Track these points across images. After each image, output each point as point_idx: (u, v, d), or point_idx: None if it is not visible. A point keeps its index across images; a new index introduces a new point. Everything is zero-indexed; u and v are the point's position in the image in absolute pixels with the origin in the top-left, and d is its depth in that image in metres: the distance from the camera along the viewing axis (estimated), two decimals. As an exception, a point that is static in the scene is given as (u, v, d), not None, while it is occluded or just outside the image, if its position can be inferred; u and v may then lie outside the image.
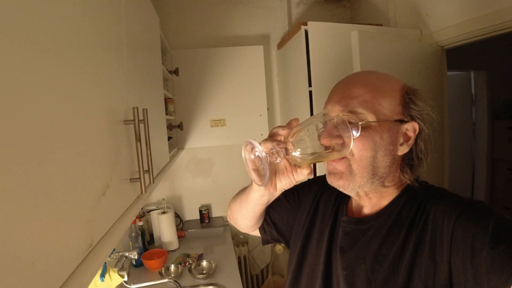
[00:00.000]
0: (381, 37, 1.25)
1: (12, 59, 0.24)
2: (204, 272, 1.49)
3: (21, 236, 0.24)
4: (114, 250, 1.19)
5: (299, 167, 0.54)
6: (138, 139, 0.58)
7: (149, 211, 1.86)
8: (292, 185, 0.57)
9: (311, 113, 1.50)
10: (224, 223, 1.98)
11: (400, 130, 0.53)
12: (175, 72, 1.83)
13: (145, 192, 0.60)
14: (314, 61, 1.43)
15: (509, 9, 1.09)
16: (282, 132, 0.52)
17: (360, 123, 0.50)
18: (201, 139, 1.89)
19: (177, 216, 2.00)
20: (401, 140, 0.53)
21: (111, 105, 0.50)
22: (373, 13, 1.85)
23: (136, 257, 1.24)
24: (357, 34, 1.09)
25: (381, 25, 1.63)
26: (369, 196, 0.57)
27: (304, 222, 0.68)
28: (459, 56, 2.01)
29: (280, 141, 0.51)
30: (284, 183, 0.57)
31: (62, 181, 0.31)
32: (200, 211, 1.98)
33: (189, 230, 1.90)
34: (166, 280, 1.32)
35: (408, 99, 0.53)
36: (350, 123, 0.49)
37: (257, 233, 0.79)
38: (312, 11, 2.07)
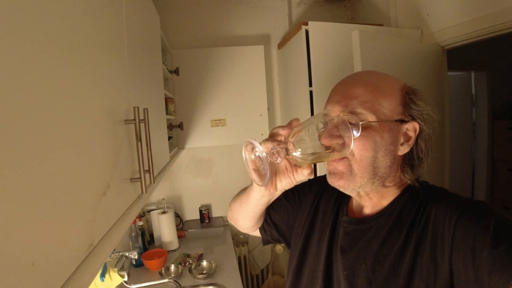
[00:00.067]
0: (382, 37, 1.24)
1: (12, 59, 0.24)
2: (204, 272, 1.49)
3: (22, 236, 0.24)
4: (114, 250, 1.19)
5: (300, 167, 0.54)
6: (138, 138, 0.58)
7: (149, 211, 1.86)
8: (292, 185, 0.57)
9: (312, 113, 1.50)
10: (224, 223, 1.98)
11: (401, 130, 0.53)
12: (176, 71, 1.83)
13: (146, 192, 0.60)
14: (314, 61, 1.43)
15: (509, 9, 1.09)
16: (283, 132, 0.52)
17: (360, 123, 0.50)
18: (201, 139, 1.89)
19: (177, 216, 2.00)
20: (402, 140, 0.53)
21: (112, 104, 0.50)
22: (373, 13, 1.85)
23: (136, 257, 1.24)
24: (358, 34, 1.09)
25: (381, 25, 1.62)
26: (370, 196, 0.57)
27: (305, 222, 0.68)
28: (460, 56, 2.01)
29: (280, 141, 0.51)
30: (284, 183, 0.57)
31: (63, 181, 0.31)
32: (200, 211, 1.98)
33: (189, 230, 1.90)
34: (166, 280, 1.32)
35: (408, 99, 0.53)
36: (350, 123, 0.49)
37: (257, 233, 0.79)
38: (313, 11, 2.07)
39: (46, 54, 0.30)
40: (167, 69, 1.67)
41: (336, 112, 0.53)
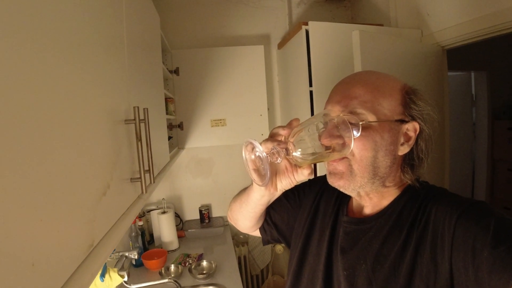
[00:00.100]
0: (382, 37, 1.24)
1: (12, 59, 0.24)
2: (204, 272, 1.49)
3: (22, 236, 0.24)
4: (114, 250, 1.19)
5: (300, 167, 0.54)
6: (138, 138, 0.58)
7: (149, 211, 1.86)
8: (292, 185, 0.57)
9: (312, 113, 1.50)
10: (224, 223, 1.98)
11: (401, 130, 0.53)
12: (176, 71, 1.83)
13: (146, 192, 0.60)
14: (314, 61, 1.43)
15: (509, 9, 1.09)
16: (283, 132, 0.52)
17: (360, 123, 0.50)
18: (201, 139, 1.89)
19: (177, 216, 2.00)
20: (402, 140, 0.53)
21: (112, 104, 0.50)
22: (374, 13, 1.85)
23: (136, 257, 1.24)
24: (358, 34, 1.09)
25: (382, 25, 1.62)
26: (370, 196, 0.57)
27: (305, 222, 0.68)
28: (460, 57, 2.01)
29: (280, 141, 0.51)
30: (284, 183, 0.57)
31: (63, 181, 0.31)
32: (200, 211, 1.98)
33: (189, 230, 1.89)
34: (166, 280, 1.32)
35: (408, 99, 0.53)
36: (350, 123, 0.49)
37: (257, 233, 0.79)
38: (313, 11, 2.07)
39: (46, 54, 0.30)
40: (167, 69, 1.67)
41: (336, 112, 0.53)
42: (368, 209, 0.58)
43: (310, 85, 1.48)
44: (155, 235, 1.83)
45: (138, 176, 0.59)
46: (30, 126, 0.26)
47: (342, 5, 2.11)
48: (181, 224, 2.00)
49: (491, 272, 0.39)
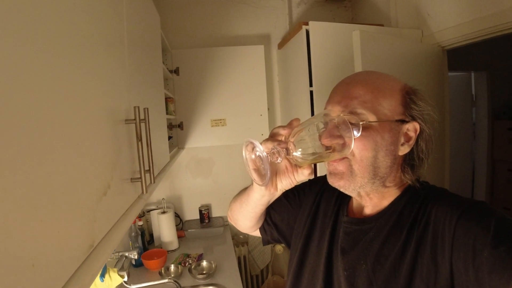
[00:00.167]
0: (382, 37, 1.24)
1: (12, 59, 0.24)
2: (204, 272, 1.49)
3: (22, 237, 0.24)
4: (114, 250, 1.19)
5: (300, 167, 0.54)
6: (139, 138, 0.58)
7: (149, 211, 1.86)
8: (293, 185, 0.57)
9: (312, 113, 1.50)
10: (224, 223, 1.98)
11: (401, 130, 0.53)
12: (176, 71, 1.83)
13: (146, 192, 0.60)
14: (315, 61, 1.43)
15: (509, 10, 1.09)
16: (283, 132, 0.52)
17: (361, 123, 0.50)
18: (201, 139, 1.89)
19: (177, 216, 2.00)
20: (402, 140, 0.53)
21: (112, 104, 0.50)
22: (374, 13, 1.85)
23: (136, 257, 1.24)
24: (358, 34, 1.09)
25: (382, 25, 1.62)
26: (370, 197, 0.57)
27: (305, 222, 0.68)
28: (460, 57, 2.01)
29: (281, 141, 0.51)
30: (285, 183, 0.57)
31: (63, 181, 0.31)
32: (200, 211, 1.98)
33: (189, 230, 1.89)
34: (166, 280, 1.31)
35: (409, 99, 0.53)
36: (351, 123, 0.49)
37: (257, 233, 0.79)
38: (313, 11, 2.07)
39: (46, 54, 0.30)
40: (167, 68, 1.67)
41: (336, 112, 0.53)
42: (369, 209, 0.58)
43: (311, 85, 1.48)
44: (155, 235, 1.83)
45: (139, 176, 0.58)
46: (30, 126, 0.26)
47: (342, 5, 2.11)
48: (181, 224, 2.00)
49: (491, 272, 0.39)
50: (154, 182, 0.67)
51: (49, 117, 0.29)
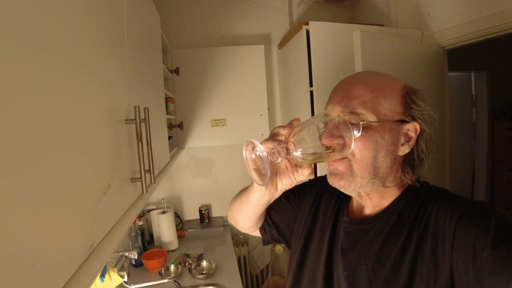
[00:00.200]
0: (383, 37, 1.24)
1: (12, 59, 0.24)
2: (204, 272, 1.48)
3: (22, 237, 0.24)
4: (114, 250, 1.19)
5: (300, 167, 0.54)
6: (139, 138, 0.58)
7: (149, 211, 1.86)
8: (293, 185, 0.57)
9: (312, 113, 1.50)
10: (224, 223, 1.98)
11: (401, 130, 0.53)
12: (176, 71, 1.83)
13: (146, 192, 0.60)
14: (315, 61, 1.43)
15: (509, 10, 1.09)
16: (283, 132, 0.52)
17: (361, 123, 0.50)
18: (201, 139, 1.89)
19: (177, 216, 2.00)
20: (402, 140, 0.53)
21: (112, 104, 0.50)
22: (374, 13, 1.85)
23: (136, 257, 1.24)
24: (359, 34, 1.09)
25: (382, 25, 1.62)
26: (370, 197, 0.57)
27: (305, 222, 0.68)
28: (460, 57, 2.01)
29: (281, 141, 0.51)
30: (285, 183, 0.57)
31: (63, 181, 0.31)
32: (200, 211, 1.98)
33: (189, 230, 1.89)
34: (166, 280, 1.31)
35: (409, 99, 0.53)
36: (351, 123, 0.49)
37: (257, 233, 0.79)
38: (313, 11, 2.07)
39: (46, 54, 0.30)
40: (167, 68, 1.67)
41: (336, 112, 0.53)
42: (369, 210, 0.58)
43: (311, 85, 1.48)
44: (154, 235, 1.83)
45: (139, 176, 0.58)
46: (30, 126, 0.26)
47: (342, 5, 2.11)
48: (181, 224, 2.00)
49: (492, 272, 0.39)
50: (154, 182, 0.67)
51: (49, 117, 0.29)
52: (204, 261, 1.55)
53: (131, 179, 0.57)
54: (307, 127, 0.51)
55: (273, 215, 0.75)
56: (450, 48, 1.43)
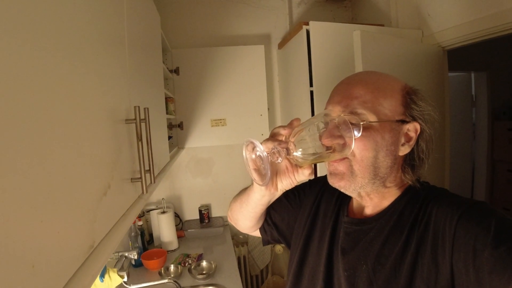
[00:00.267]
0: (383, 37, 1.24)
1: (12, 59, 0.24)
2: (204, 272, 1.48)
3: (22, 237, 0.24)
4: (114, 250, 1.19)
5: (300, 167, 0.54)
6: (139, 138, 0.58)
7: (148, 211, 1.85)
8: (293, 186, 0.57)
9: (312, 113, 1.50)
10: (224, 223, 1.98)
11: (402, 130, 0.53)
12: (176, 71, 1.82)
13: (146, 192, 0.60)
14: (315, 61, 1.43)
15: (510, 10, 1.09)
16: (284, 132, 0.52)
17: (361, 123, 0.50)
18: (201, 139, 1.89)
19: (177, 216, 2.00)
20: (403, 140, 0.53)
21: (112, 104, 0.50)
22: (374, 13, 1.85)
23: (135, 257, 1.24)
24: (359, 34, 1.09)
25: (382, 25, 1.62)
26: (371, 197, 0.57)
27: (305, 222, 0.68)
28: (460, 57, 2.01)
29: (281, 141, 0.51)
30: (285, 184, 0.57)
31: (63, 181, 0.31)
32: (200, 211, 1.98)
33: (188, 230, 1.89)
34: (166, 281, 1.31)
35: (409, 100, 0.53)
36: (351, 123, 0.49)
37: (257, 233, 0.79)
38: (313, 11, 2.07)
39: (46, 54, 0.30)
40: (167, 68, 1.67)
41: (337, 112, 0.53)
42: (369, 210, 0.58)
43: (311, 85, 1.48)
44: (154, 235, 1.83)
45: (139, 176, 0.58)
46: (30, 126, 0.26)
47: (342, 5, 2.11)
48: (180, 224, 2.00)
49: (492, 273, 0.39)
50: (154, 182, 0.67)
51: (49, 117, 0.29)
52: (204, 261, 1.54)
53: (131, 179, 0.57)
54: (308, 127, 0.51)
55: (273, 215, 0.75)
56: (450, 48, 1.43)
